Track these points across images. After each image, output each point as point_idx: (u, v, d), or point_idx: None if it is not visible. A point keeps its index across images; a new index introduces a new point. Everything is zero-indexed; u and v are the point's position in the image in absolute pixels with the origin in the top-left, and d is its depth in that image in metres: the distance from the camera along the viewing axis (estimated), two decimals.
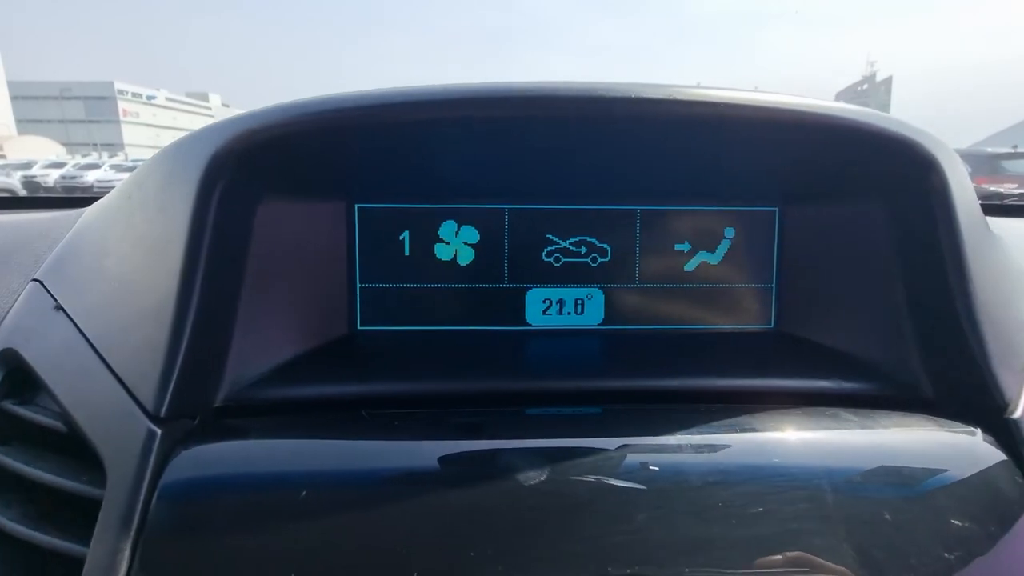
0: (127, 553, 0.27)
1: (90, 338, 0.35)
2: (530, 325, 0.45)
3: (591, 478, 0.29)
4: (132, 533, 0.28)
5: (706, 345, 0.44)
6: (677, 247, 0.45)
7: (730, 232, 0.45)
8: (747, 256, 0.45)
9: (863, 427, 0.33)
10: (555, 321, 0.45)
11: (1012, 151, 7.94)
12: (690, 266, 0.45)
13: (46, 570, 0.29)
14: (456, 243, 0.44)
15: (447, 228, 0.44)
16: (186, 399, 0.32)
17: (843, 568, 0.27)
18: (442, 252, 0.44)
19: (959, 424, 0.34)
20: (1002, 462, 0.31)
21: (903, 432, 0.33)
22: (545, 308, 0.45)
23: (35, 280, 0.42)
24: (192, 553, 0.27)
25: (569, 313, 0.45)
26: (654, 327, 0.45)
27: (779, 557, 0.27)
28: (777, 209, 0.45)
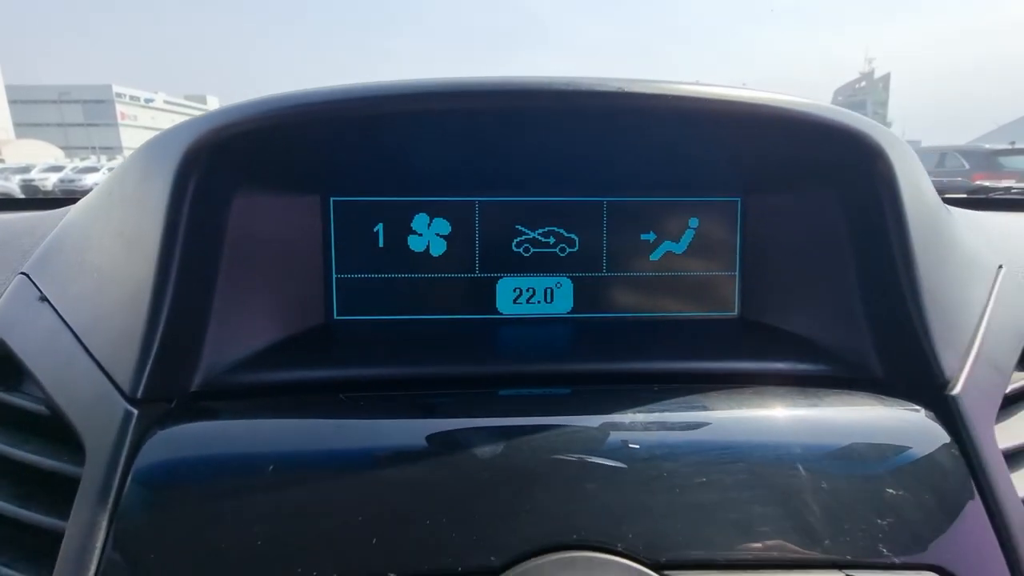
0: (103, 527, 0.29)
1: (72, 327, 0.36)
2: (501, 313, 0.46)
3: (557, 453, 0.30)
4: (108, 508, 0.29)
5: (672, 331, 0.46)
6: (643, 237, 0.46)
7: (694, 222, 0.46)
8: (711, 245, 0.47)
9: (811, 405, 0.34)
10: (525, 309, 0.46)
11: (1010, 147, 7.99)
12: (656, 255, 0.47)
13: (29, 545, 0.31)
14: (429, 234, 0.45)
15: (420, 220, 0.45)
16: (162, 383, 0.33)
17: (781, 537, 0.28)
18: (415, 243, 0.45)
19: (904, 402, 0.35)
20: (940, 436, 0.33)
21: (848, 410, 0.34)
22: (515, 297, 0.46)
23: (22, 273, 0.43)
24: (165, 527, 0.29)
25: (539, 301, 0.46)
26: (622, 314, 0.47)
27: (720, 523, 0.28)
28: (739, 199, 0.46)
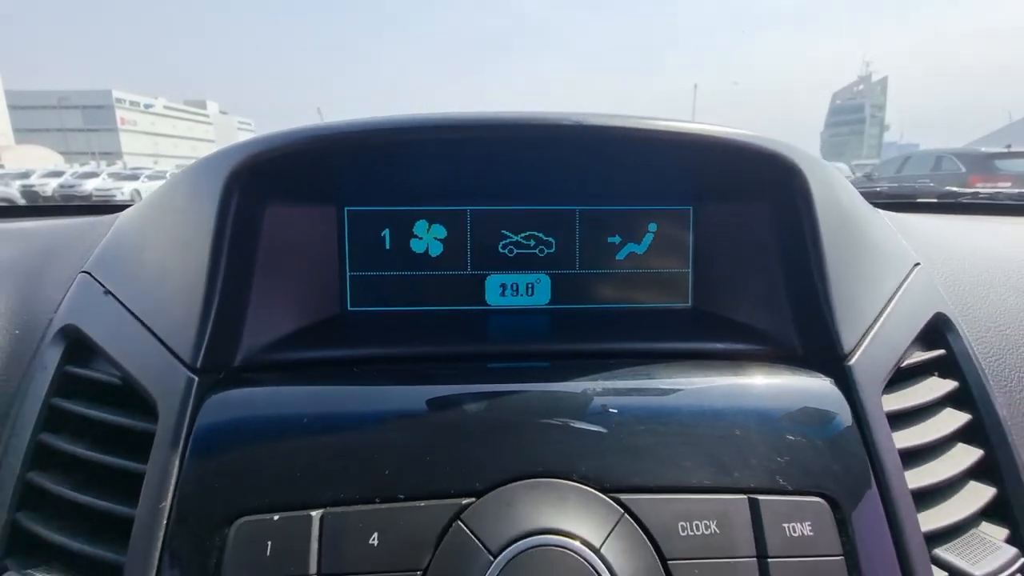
0: (176, 466, 0.37)
1: (137, 314, 0.45)
2: (489, 305, 0.54)
3: (530, 409, 0.39)
4: (179, 453, 0.37)
5: (635, 319, 0.54)
6: (610, 240, 0.55)
7: (653, 227, 0.55)
8: (668, 247, 0.55)
9: (735, 375, 0.42)
10: (510, 301, 0.55)
11: (1006, 150, 8.05)
12: (621, 255, 0.55)
13: (113, 485, 0.39)
14: (427, 238, 0.53)
15: (420, 226, 0.53)
16: (214, 357, 0.42)
17: (701, 470, 0.37)
18: (416, 246, 0.54)
19: (814, 372, 0.43)
20: (838, 398, 0.41)
21: (766, 378, 0.43)
22: (502, 291, 0.54)
23: (84, 272, 0.51)
24: (223, 467, 0.37)
25: (522, 295, 0.55)
26: (592, 305, 0.55)
27: (653, 460, 0.37)
28: (691, 208, 0.55)
